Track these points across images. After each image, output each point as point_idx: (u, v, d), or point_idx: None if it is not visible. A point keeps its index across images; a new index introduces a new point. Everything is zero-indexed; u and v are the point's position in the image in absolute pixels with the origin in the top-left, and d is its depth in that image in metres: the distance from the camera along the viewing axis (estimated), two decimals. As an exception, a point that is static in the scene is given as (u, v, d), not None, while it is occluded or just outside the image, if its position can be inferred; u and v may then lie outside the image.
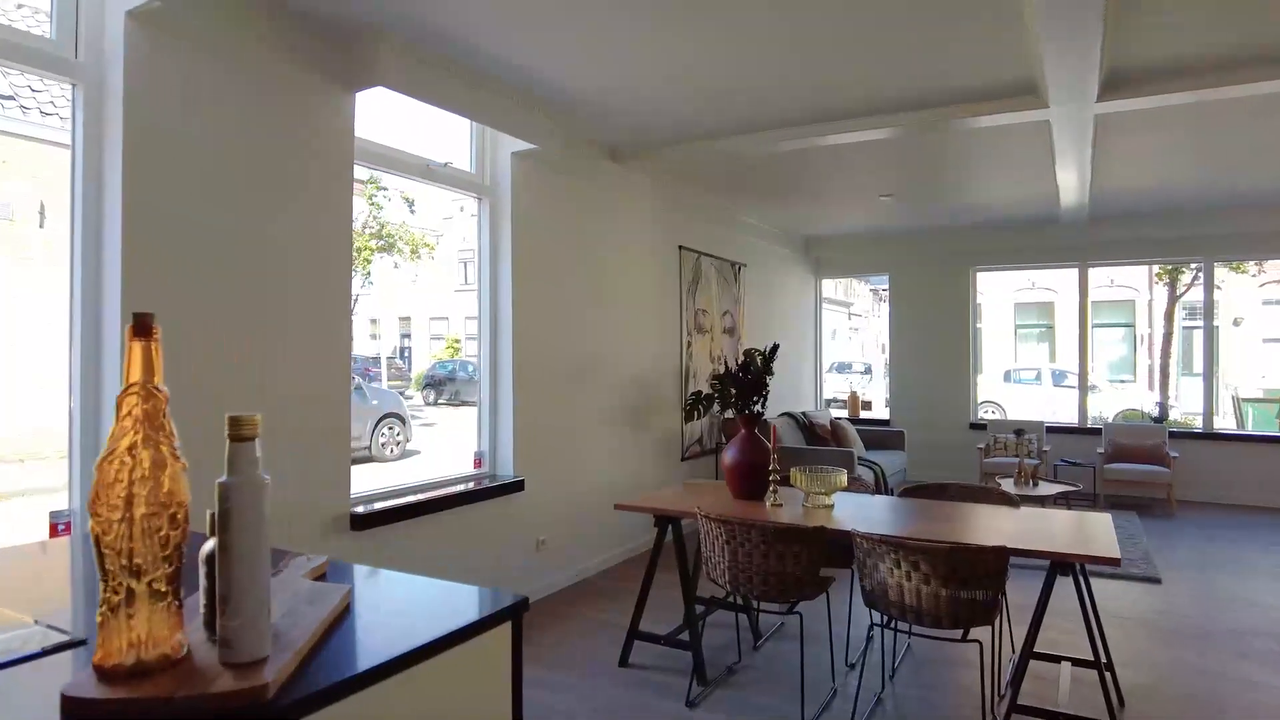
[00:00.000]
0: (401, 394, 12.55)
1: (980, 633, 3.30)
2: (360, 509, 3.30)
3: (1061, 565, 2.65)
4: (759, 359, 3.64)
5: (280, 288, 2.96)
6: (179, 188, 2.63)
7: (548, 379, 4.43)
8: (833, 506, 3.28)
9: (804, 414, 7.04)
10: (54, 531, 2.52)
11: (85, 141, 2.50)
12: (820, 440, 6.79)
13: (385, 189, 11.81)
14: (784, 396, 7.93)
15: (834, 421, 7.06)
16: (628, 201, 5.18)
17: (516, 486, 4.16)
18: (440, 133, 4.04)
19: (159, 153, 2.58)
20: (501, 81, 3.67)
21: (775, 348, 3.71)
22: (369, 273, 13.36)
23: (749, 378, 3.58)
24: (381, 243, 12.30)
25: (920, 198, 6.46)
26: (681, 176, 5.64)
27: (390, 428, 9.98)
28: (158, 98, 2.57)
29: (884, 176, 5.70)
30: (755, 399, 3.59)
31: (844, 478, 3.29)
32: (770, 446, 3.42)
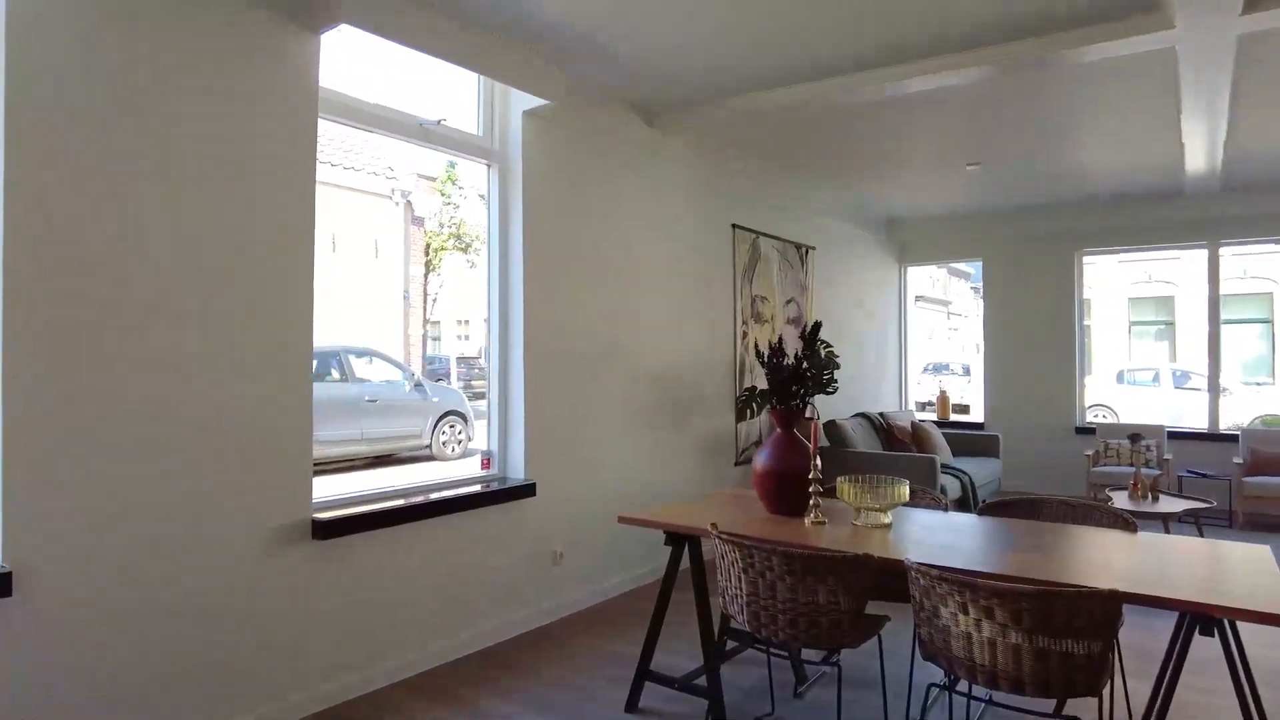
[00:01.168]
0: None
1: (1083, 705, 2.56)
2: (325, 515, 2.84)
3: (1203, 619, 1.91)
4: (805, 340, 3.00)
5: (221, 278, 2.53)
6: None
7: (565, 370, 3.89)
8: (889, 526, 2.62)
9: (881, 415, 6.27)
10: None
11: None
12: (899, 445, 6.02)
13: (461, 187, 11.60)
14: (860, 397, 7.15)
15: (916, 424, 6.27)
16: (664, 171, 4.59)
17: (527, 491, 3.63)
18: (446, 92, 3.57)
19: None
20: (507, 24, 3.16)
21: (817, 326, 3.04)
22: (437, 270, 13.22)
23: (787, 362, 2.94)
24: (460, 242, 12.11)
25: (1013, 166, 5.61)
26: (731, 142, 5.01)
27: (451, 425, 9.72)
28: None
29: (970, 138, 4.91)
30: (800, 390, 2.94)
31: (905, 489, 2.62)
32: (810, 449, 2.77)
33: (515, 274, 3.67)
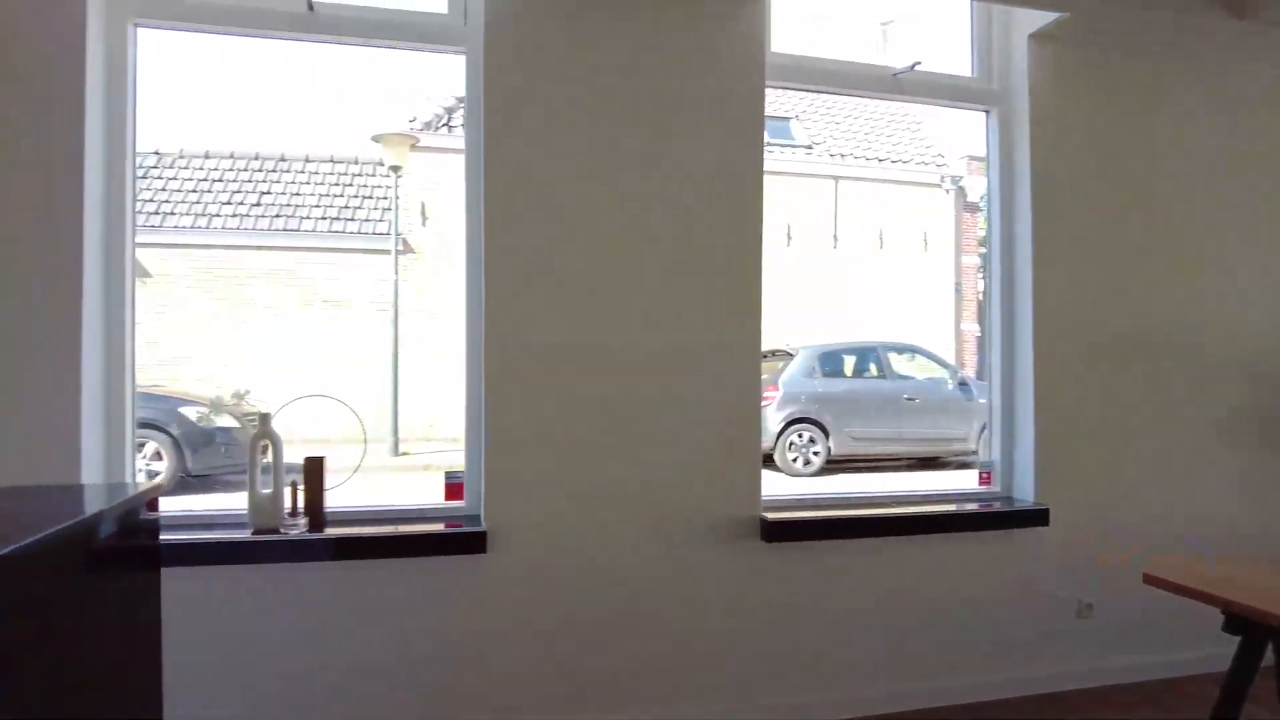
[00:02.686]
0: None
1: None
2: (775, 515, 2.61)
3: None
4: None
5: (676, 264, 2.51)
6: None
7: (1091, 362, 2.93)
8: None
9: None
10: (448, 492, 2.56)
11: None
12: None
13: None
14: None
15: None
16: (1264, 85, 3.15)
17: (1036, 518, 2.84)
18: (924, 36, 3.04)
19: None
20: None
21: None
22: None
23: None
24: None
25: None
26: None
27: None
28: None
29: None
30: None
31: None
32: None
33: (1021, 243, 2.91)
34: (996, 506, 2.90)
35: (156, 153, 9.20)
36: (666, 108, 2.49)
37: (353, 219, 9.32)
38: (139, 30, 2.32)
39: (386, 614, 2.33)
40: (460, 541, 2.35)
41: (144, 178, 9.12)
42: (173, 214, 8.86)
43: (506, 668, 2.39)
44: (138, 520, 1.20)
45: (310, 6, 2.32)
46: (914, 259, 10.58)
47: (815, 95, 8.95)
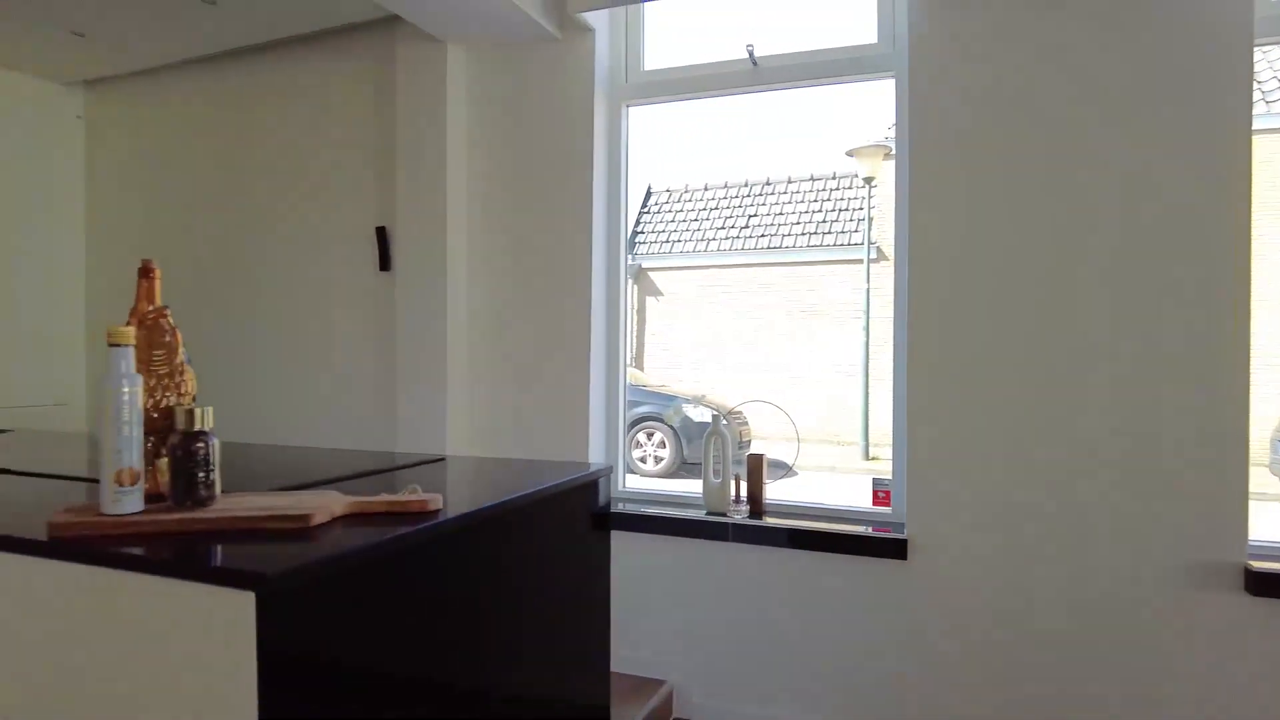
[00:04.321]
0: None
1: None
2: (1263, 565, 2.14)
3: None
4: None
5: (1129, 263, 2.25)
6: None
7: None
8: None
9: None
10: (875, 498, 2.68)
11: None
12: None
13: None
14: None
15: None
16: None
17: None
18: None
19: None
20: None
21: None
22: None
23: None
24: None
25: None
26: None
27: None
28: None
29: None
30: None
31: None
32: None
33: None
34: None
35: (667, 190, 10.95)
36: (1115, 90, 2.24)
37: (829, 231, 9.83)
38: (629, 109, 2.96)
39: (809, 600, 2.55)
40: (881, 545, 2.45)
41: (656, 213, 10.93)
42: (680, 240, 10.43)
43: (920, 674, 2.42)
44: (591, 494, 1.61)
45: (754, 62, 2.67)
46: None
47: None
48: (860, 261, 8.93)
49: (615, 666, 2.72)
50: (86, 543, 0.97)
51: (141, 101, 3.79)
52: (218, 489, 1.08)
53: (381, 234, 3.08)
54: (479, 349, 3.01)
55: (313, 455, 1.93)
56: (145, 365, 1.09)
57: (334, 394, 3.26)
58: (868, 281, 8.65)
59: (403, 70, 3.01)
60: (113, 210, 3.89)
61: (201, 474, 1.05)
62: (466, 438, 2.99)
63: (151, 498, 1.07)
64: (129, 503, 1.03)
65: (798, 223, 10.09)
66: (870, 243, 8.84)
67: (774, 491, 2.80)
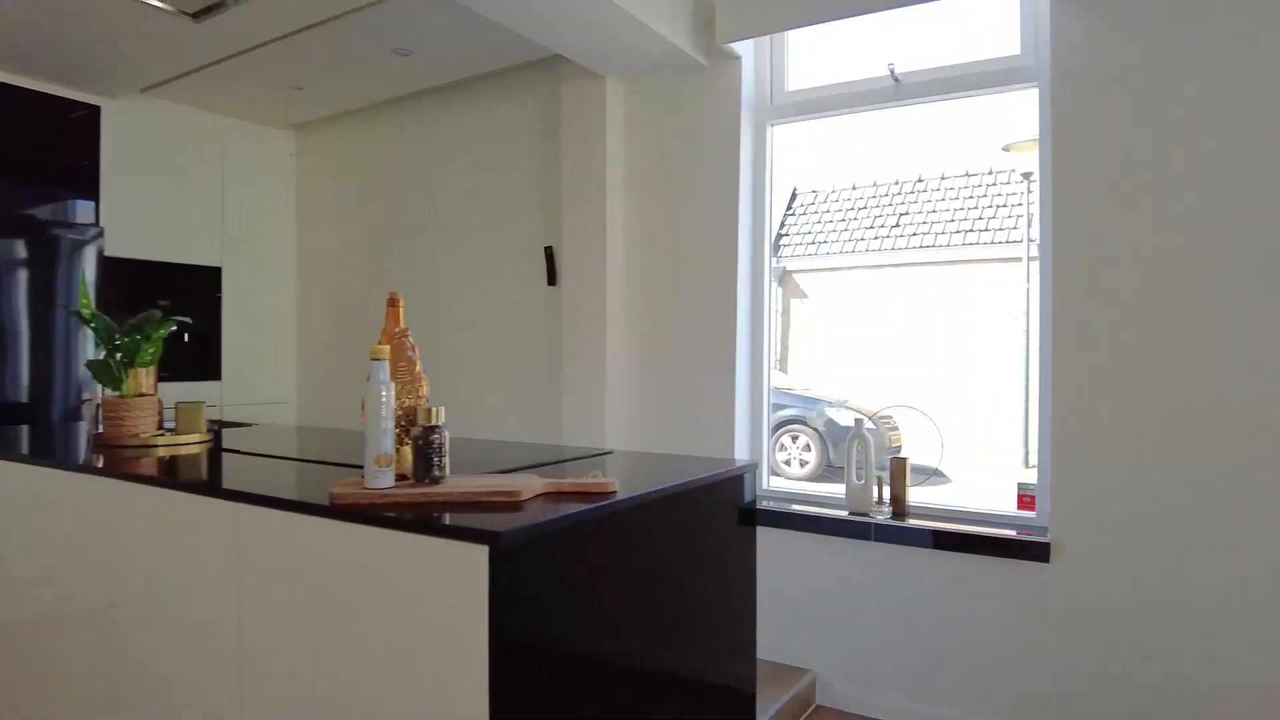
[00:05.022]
0: None
1: None
2: None
3: None
4: None
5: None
6: None
7: None
8: None
9: None
10: (1020, 502, 2.72)
11: None
12: None
13: None
14: None
15: None
16: None
17: None
18: None
19: None
20: None
21: None
22: None
23: None
24: None
25: None
26: None
27: None
28: None
29: None
30: None
31: None
32: None
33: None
34: None
35: (813, 191, 10.92)
36: (1263, 90, 2.19)
37: (985, 229, 9.49)
38: (774, 127, 3.14)
39: (948, 599, 2.63)
40: (1022, 548, 2.50)
41: (802, 214, 10.91)
42: (825, 242, 10.38)
43: (1056, 675, 2.44)
44: (739, 487, 1.82)
45: (895, 79, 2.78)
46: None
47: None
48: (1019, 260, 8.60)
49: (760, 654, 2.92)
50: (358, 509, 1.30)
51: (342, 140, 4.38)
52: (448, 470, 1.38)
53: (549, 252, 3.43)
54: (634, 354, 3.29)
55: (503, 447, 2.27)
56: (393, 374, 1.41)
57: (507, 392, 3.65)
58: (1028, 280, 8.30)
59: (566, 103, 3.34)
60: (319, 234, 4.50)
61: (436, 459, 1.36)
62: (623, 434, 3.28)
63: (397, 477, 1.39)
64: (384, 479, 1.34)
65: (951, 220, 9.79)
66: (1030, 240, 8.49)
67: (921, 495, 2.89)
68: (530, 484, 1.37)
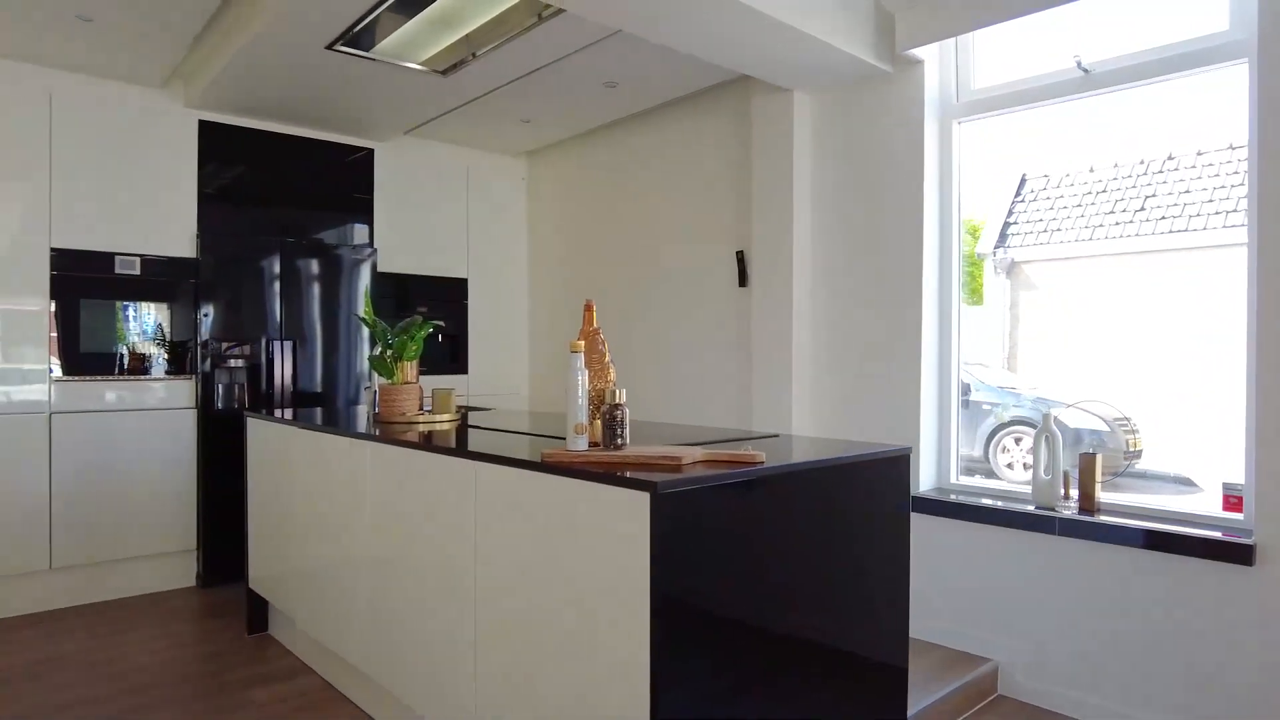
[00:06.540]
0: None
1: None
2: None
3: None
4: None
5: None
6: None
7: None
8: None
9: None
10: (1225, 503, 2.59)
11: None
12: None
13: None
14: None
15: None
16: None
17: None
18: None
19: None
20: None
21: None
22: None
23: None
24: None
25: None
26: None
27: None
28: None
29: None
30: None
31: None
32: None
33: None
34: None
35: (1044, 175, 10.20)
36: None
37: (1235, 209, 8.39)
38: (960, 125, 3.20)
39: (1136, 597, 2.57)
40: (1221, 549, 2.40)
41: (1032, 200, 10.24)
42: (1060, 229, 9.67)
43: (1259, 687, 2.31)
44: (890, 471, 2.00)
45: (1083, 70, 2.75)
46: None
47: None
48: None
49: (942, 640, 3.03)
50: (559, 466, 1.68)
51: (563, 164, 4.96)
52: (628, 440, 1.73)
53: (740, 257, 3.72)
54: (820, 348, 3.49)
55: (683, 429, 2.61)
56: (586, 363, 1.78)
57: (704, 383, 3.99)
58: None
59: (756, 117, 3.61)
60: (545, 246, 5.12)
61: (619, 430, 1.71)
62: (810, 424, 3.49)
63: (590, 444, 1.76)
64: (580, 444, 1.72)
65: (1209, 200, 8.75)
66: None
67: (1125, 497, 2.84)
68: (692, 453, 1.68)
